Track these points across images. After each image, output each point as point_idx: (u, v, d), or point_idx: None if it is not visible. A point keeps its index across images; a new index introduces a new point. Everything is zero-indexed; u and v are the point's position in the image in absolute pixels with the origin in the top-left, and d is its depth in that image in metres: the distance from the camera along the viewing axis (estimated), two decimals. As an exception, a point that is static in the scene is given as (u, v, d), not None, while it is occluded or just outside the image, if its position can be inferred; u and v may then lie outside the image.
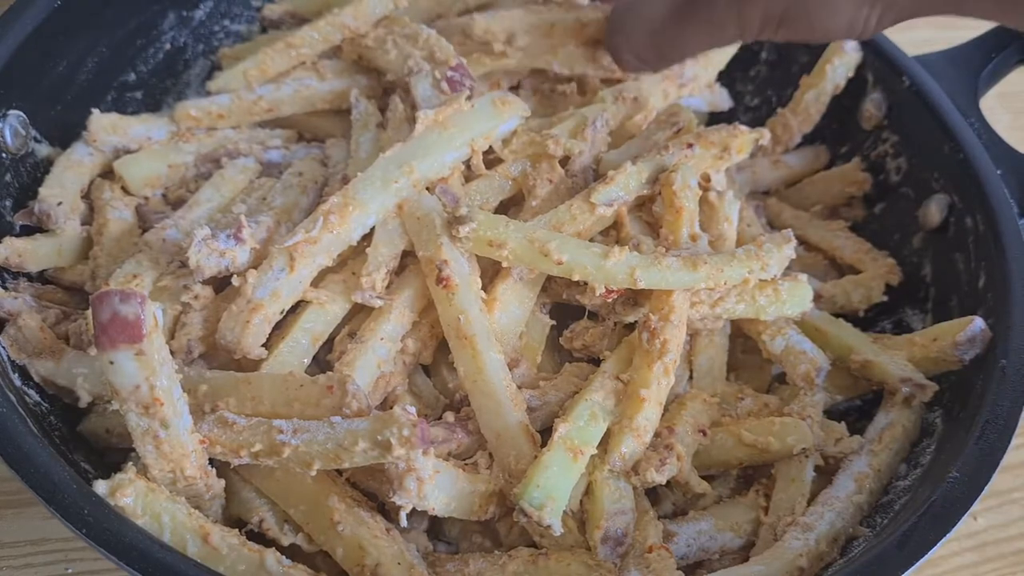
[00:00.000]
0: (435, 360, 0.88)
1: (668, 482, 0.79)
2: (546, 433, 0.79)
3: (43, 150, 0.95)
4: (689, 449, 0.80)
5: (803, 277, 0.91)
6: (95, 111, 0.96)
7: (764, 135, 0.97)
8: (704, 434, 0.82)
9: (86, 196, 0.95)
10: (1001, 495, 1.01)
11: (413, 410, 0.70)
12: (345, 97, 1.01)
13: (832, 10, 0.74)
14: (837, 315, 0.95)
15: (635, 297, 0.87)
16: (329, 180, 0.94)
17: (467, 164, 0.91)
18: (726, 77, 1.13)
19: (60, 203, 0.91)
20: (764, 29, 0.79)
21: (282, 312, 0.81)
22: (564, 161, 0.94)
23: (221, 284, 0.83)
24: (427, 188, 0.87)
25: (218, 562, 0.68)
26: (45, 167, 0.95)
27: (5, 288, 0.86)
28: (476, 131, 0.89)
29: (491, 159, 0.94)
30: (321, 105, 1.03)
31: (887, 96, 1.07)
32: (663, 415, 0.81)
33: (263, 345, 0.81)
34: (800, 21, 0.77)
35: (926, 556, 0.69)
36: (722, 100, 1.13)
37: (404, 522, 0.73)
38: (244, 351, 0.79)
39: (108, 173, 0.97)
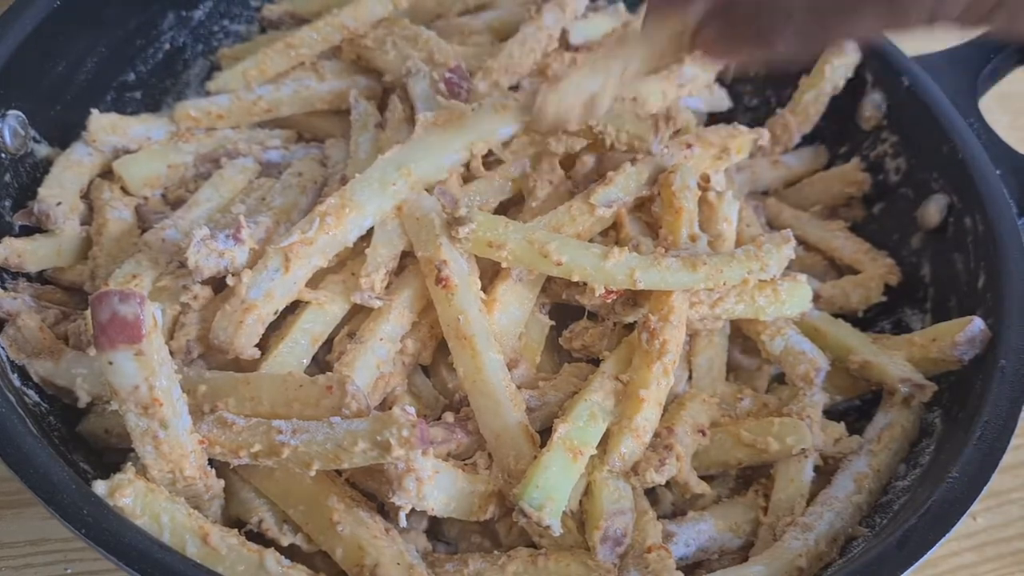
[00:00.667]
0: (434, 360, 0.88)
1: (667, 482, 0.79)
2: (545, 433, 0.79)
3: (42, 150, 0.95)
4: (688, 449, 0.80)
5: (802, 277, 0.91)
6: (94, 111, 0.96)
7: (763, 135, 0.97)
8: (703, 434, 0.82)
9: (85, 196, 0.95)
10: (1000, 495, 1.01)
11: (412, 410, 0.70)
12: (344, 97, 1.01)
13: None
14: (836, 315, 0.95)
15: (634, 297, 0.87)
16: (328, 180, 0.94)
17: (466, 166, 0.91)
18: (725, 77, 1.13)
19: (59, 203, 0.91)
20: (965, 17, 0.64)
21: (276, 313, 0.81)
22: (567, 165, 0.94)
23: (220, 284, 0.83)
24: (426, 189, 0.87)
25: (217, 562, 0.68)
26: (44, 167, 0.95)
27: (4, 288, 0.86)
28: (475, 134, 0.88)
29: (490, 161, 0.94)
30: (320, 106, 1.03)
31: (886, 96, 1.07)
32: (662, 415, 0.81)
33: (258, 345, 0.80)
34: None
35: (925, 556, 0.69)
36: (721, 100, 1.14)
37: (403, 522, 0.73)
38: (237, 351, 0.79)
39: (107, 173, 0.97)
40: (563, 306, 0.91)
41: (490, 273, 0.88)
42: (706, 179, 0.92)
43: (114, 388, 0.65)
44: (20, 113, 0.92)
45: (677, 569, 0.74)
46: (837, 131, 1.12)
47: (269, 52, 1.03)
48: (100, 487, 0.67)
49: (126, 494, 0.67)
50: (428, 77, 0.95)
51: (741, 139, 0.96)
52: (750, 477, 0.87)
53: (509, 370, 0.81)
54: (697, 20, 0.77)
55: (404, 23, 1.03)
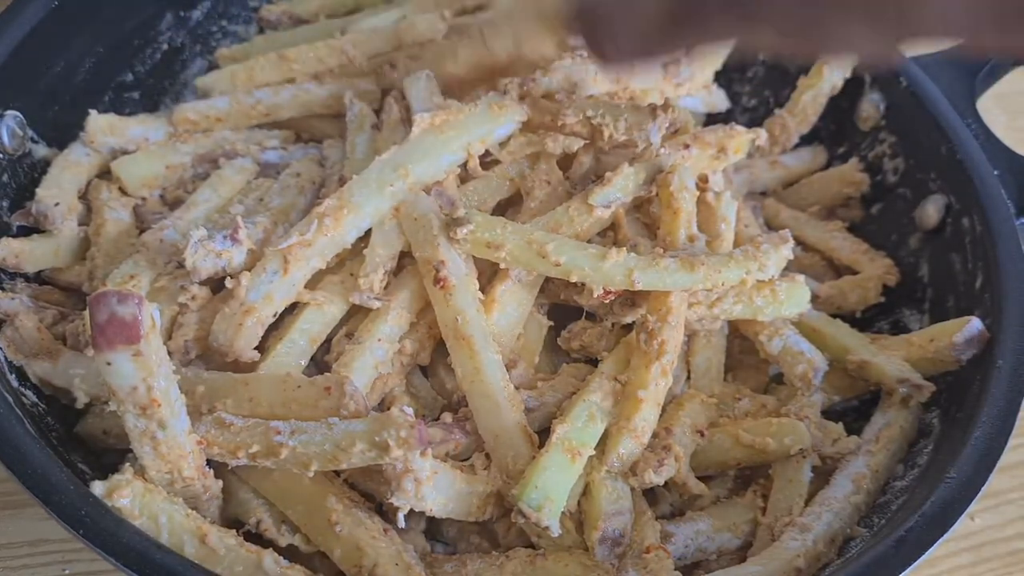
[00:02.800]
0: (433, 361, 0.88)
1: (666, 483, 0.79)
2: (544, 434, 0.79)
3: (40, 151, 0.95)
4: (687, 450, 0.80)
5: (800, 278, 0.91)
6: (92, 112, 0.96)
7: (761, 136, 0.97)
8: (702, 435, 0.82)
9: (83, 197, 0.95)
10: (998, 495, 1.01)
11: (411, 411, 0.70)
12: (343, 102, 1.01)
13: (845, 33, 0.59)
14: (834, 316, 0.95)
15: (633, 298, 0.87)
16: (326, 181, 0.94)
17: (463, 167, 0.91)
18: (723, 78, 1.13)
19: (57, 204, 0.90)
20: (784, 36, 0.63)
21: (275, 315, 0.81)
22: (565, 165, 0.94)
23: (218, 285, 0.83)
24: (423, 190, 0.87)
25: (216, 563, 0.68)
26: (42, 168, 0.95)
27: (2, 289, 0.86)
28: (472, 135, 0.88)
29: (487, 161, 0.94)
30: (319, 109, 1.03)
31: (884, 97, 1.07)
32: (661, 416, 0.81)
33: (257, 347, 0.80)
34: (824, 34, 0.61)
35: (923, 556, 0.69)
36: (719, 101, 1.13)
37: (402, 523, 0.73)
38: (236, 354, 0.79)
39: (106, 174, 0.97)
40: (561, 306, 0.91)
41: (488, 273, 0.88)
42: (704, 179, 0.92)
43: (112, 389, 0.65)
44: (18, 113, 0.92)
45: (675, 569, 0.74)
46: (835, 131, 1.12)
47: (262, 61, 1.03)
48: (98, 488, 0.67)
49: (124, 495, 0.66)
50: (425, 78, 0.95)
51: (739, 139, 0.96)
52: (748, 477, 0.87)
53: (507, 370, 0.81)
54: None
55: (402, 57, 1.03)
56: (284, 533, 0.74)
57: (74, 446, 0.80)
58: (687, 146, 0.91)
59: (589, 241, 0.89)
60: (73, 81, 0.99)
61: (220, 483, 0.74)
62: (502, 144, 0.92)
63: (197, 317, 0.82)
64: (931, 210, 0.99)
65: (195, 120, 0.99)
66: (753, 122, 1.05)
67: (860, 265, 1.02)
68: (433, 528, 0.82)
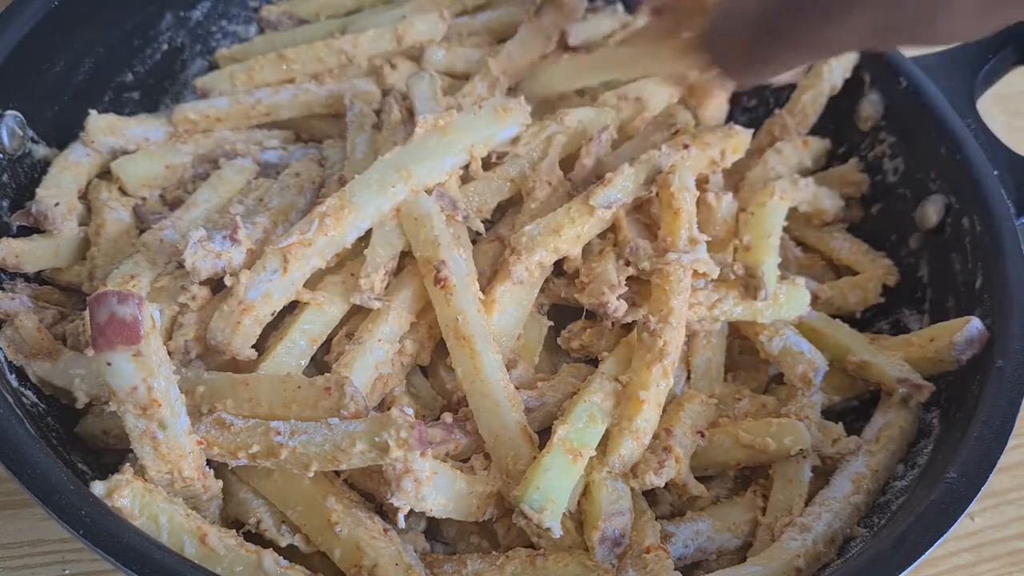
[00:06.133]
0: (433, 361, 0.88)
1: (665, 483, 0.79)
2: (544, 434, 0.79)
3: (40, 151, 0.95)
4: (687, 451, 0.80)
5: (800, 281, 0.91)
6: (92, 112, 0.96)
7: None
8: (702, 435, 0.82)
9: (83, 197, 0.95)
10: (998, 495, 1.01)
11: (411, 412, 0.70)
12: (343, 102, 1.01)
13: (954, 14, 0.65)
14: (834, 316, 0.95)
15: (633, 298, 0.87)
16: (326, 181, 0.94)
17: (465, 168, 0.90)
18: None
19: (57, 204, 0.90)
20: (872, 39, 0.71)
21: (273, 314, 0.81)
22: (566, 166, 0.94)
23: (219, 285, 0.83)
24: (424, 190, 0.87)
25: (215, 563, 0.68)
26: (42, 168, 0.95)
27: (2, 289, 0.86)
28: (476, 137, 0.88)
29: (489, 162, 0.94)
30: (319, 110, 1.03)
31: (884, 97, 1.07)
32: (661, 416, 0.81)
33: (256, 346, 0.80)
34: (917, 28, 0.68)
35: (923, 556, 0.69)
36: (719, 101, 1.13)
37: (402, 523, 0.73)
38: (233, 352, 0.79)
39: (105, 174, 0.97)
40: (561, 306, 0.91)
41: (488, 274, 0.88)
42: (704, 180, 0.92)
43: (112, 389, 0.65)
44: (18, 113, 0.92)
45: (675, 569, 0.74)
46: (835, 132, 1.12)
47: (262, 61, 1.03)
48: (98, 488, 0.67)
49: (124, 495, 0.66)
50: (428, 78, 0.95)
51: (738, 139, 0.96)
52: (748, 478, 0.87)
53: (507, 370, 0.81)
54: (698, 35, 0.80)
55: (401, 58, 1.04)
56: (284, 533, 0.74)
57: (74, 446, 0.80)
58: (687, 146, 0.91)
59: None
60: (73, 81, 0.99)
61: (220, 483, 0.74)
62: (513, 141, 0.92)
63: (197, 317, 0.82)
64: (931, 210, 0.99)
65: (195, 120, 0.99)
66: (753, 122, 1.05)
67: (860, 266, 1.02)
68: (433, 528, 0.82)
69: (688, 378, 0.89)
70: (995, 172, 0.95)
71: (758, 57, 0.79)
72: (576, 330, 0.90)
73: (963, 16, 0.66)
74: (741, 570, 0.76)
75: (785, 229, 0.97)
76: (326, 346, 0.84)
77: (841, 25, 0.70)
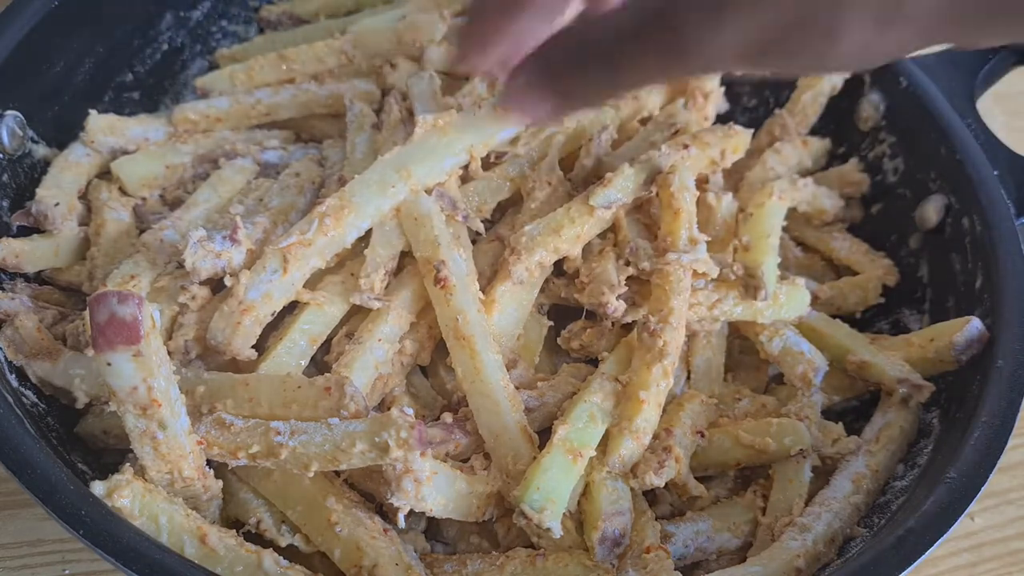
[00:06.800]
0: (433, 361, 0.88)
1: (665, 483, 0.79)
2: (544, 434, 0.79)
3: (40, 151, 0.95)
4: (687, 451, 0.80)
5: (800, 281, 0.91)
6: (92, 112, 0.96)
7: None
8: (702, 435, 0.82)
9: (83, 197, 0.95)
10: (998, 495, 1.01)
11: (411, 412, 0.70)
12: (343, 102, 1.01)
13: (837, 37, 0.56)
14: (834, 316, 0.95)
15: (633, 298, 0.87)
16: (326, 181, 0.94)
17: (465, 167, 0.90)
18: (723, 79, 1.13)
19: (57, 204, 0.90)
20: (740, 61, 0.60)
21: (273, 314, 0.81)
22: (566, 166, 0.94)
23: (219, 285, 0.83)
24: (424, 191, 0.86)
25: (215, 563, 0.68)
26: (42, 168, 0.95)
27: (2, 289, 0.86)
28: (476, 137, 0.88)
29: (488, 162, 0.94)
30: (319, 110, 1.03)
31: (884, 97, 1.07)
32: (661, 416, 0.81)
33: (256, 346, 0.80)
34: (793, 52, 0.58)
35: (923, 557, 0.69)
36: (719, 101, 1.13)
37: (402, 523, 0.73)
38: (233, 352, 0.79)
39: (105, 174, 0.97)
40: (561, 306, 0.91)
41: (488, 273, 0.88)
42: (704, 180, 0.92)
43: (112, 389, 0.65)
44: (18, 113, 0.92)
45: (675, 569, 0.74)
46: (835, 132, 1.12)
47: (261, 60, 1.03)
48: (98, 488, 0.67)
49: (124, 495, 0.66)
50: (428, 78, 0.95)
51: (737, 139, 0.96)
52: (748, 478, 0.87)
53: (507, 370, 0.81)
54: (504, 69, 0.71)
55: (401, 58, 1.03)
56: (284, 533, 0.74)
57: (74, 446, 0.80)
58: (686, 146, 0.91)
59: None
60: (73, 81, 0.99)
61: (220, 483, 0.74)
62: (512, 141, 0.92)
63: (197, 317, 0.82)
64: (931, 210, 0.99)
65: (195, 120, 0.99)
66: (753, 122, 1.05)
67: (860, 266, 1.02)
68: (433, 528, 0.82)
69: (688, 378, 0.89)
70: (995, 172, 0.95)
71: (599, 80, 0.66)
72: (576, 330, 0.90)
73: (857, 33, 0.56)
74: (741, 570, 0.75)
75: (785, 229, 0.97)
76: (326, 346, 0.84)
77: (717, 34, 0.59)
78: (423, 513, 0.74)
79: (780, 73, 0.61)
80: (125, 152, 0.97)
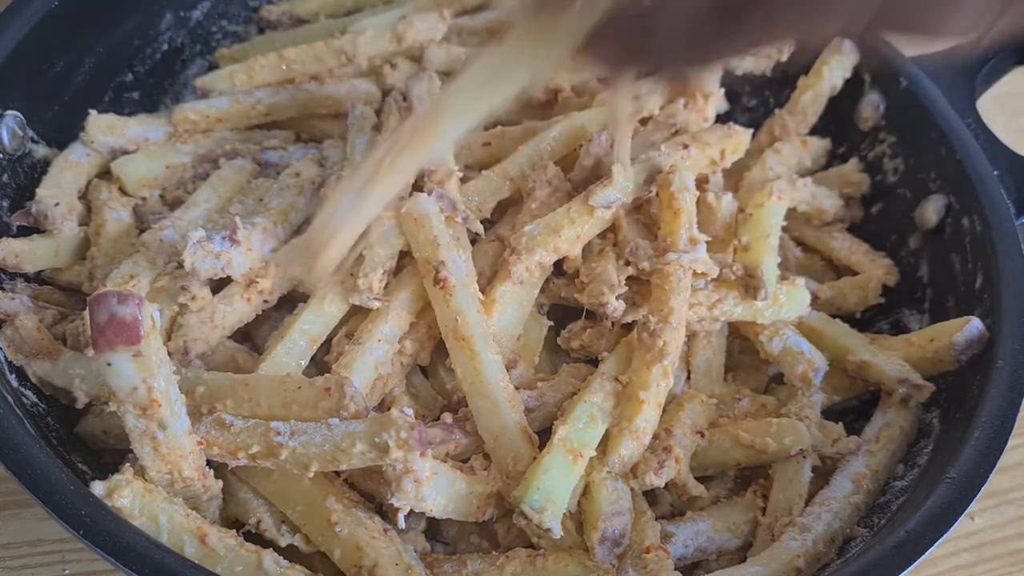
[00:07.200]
0: (432, 361, 0.88)
1: (665, 483, 0.79)
2: (544, 434, 0.79)
3: (40, 151, 0.95)
4: (687, 451, 0.80)
5: (800, 281, 0.91)
6: (92, 112, 0.96)
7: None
8: (702, 435, 0.82)
9: (83, 197, 0.95)
10: (998, 495, 1.01)
11: (411, 412, 0.70)
12: (343, 102, 1.01)
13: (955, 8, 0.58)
14: (834, 316, 0.95)
15: (633, 298, 0.87)
16: (326, 181, 0.94)
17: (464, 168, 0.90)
18: (723, 79, 1.13)
19: (57, 204, 0.90)
20: (873, 25, 0.60)
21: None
22: (566, 166, 0.94)
23: (219, 285, 0.83)
24: (423, 190, 0.86)
25: (215, 563, 0.68)
26: (42, 168, 0.95)
27: (2, 289, 0.86)
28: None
29: (489, 160, 0.93)
30: (319, 110, 1.03)
31: (884, 97, 1.07)
32: (661, 416, 0.81)
33: (255, 347, 0.81)
34: (906, 21, 0.60)
35: (923, 557, 0.69)
36: (719, 101, 1.13)
37: (402, 523, 0.73)
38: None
39: (105, 174, 0.97)
40: (561, 306, 0.91)
41: (488, 274, 0.88)
42: (704, 180, 0.92)
43: (112, 389, 0.65)
44: (18, 113, 0.92)
45: (675, 569, 0.74)
46: (835, 132, 1.12)
47: (262, 61, 1.03)
48: (98, 488, 0.67)
49: (124, 495, 0.66)
50: (428, 78, 0.95)
51: (737, 139, 0.96)
52: (748, 478, 0.87)
53: (507, 371, 0.81)
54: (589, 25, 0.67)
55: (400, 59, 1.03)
56: (284, 533, 0.74)
57: (74, 446, 0.80)
58: (686, 146, 0.91)
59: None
60: (73, 81, 0.99)
61: (220, 483, 0.74)
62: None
63: (197, 318, 0.82)
64: (931, 210, 0.99)
65: (195, 120, 0.99)
66: (753, 122, 1.05)
67: (860, 266, 1.02)
68: (433, 528, 0.82)
69: (688, 378, 0.89)
70: (995, 172, 0.95)
71: (707, 43, 0.63)
72: (576, 330, 0.90)
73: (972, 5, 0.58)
74: (741, 570, 0.76)
75: (785, 229, 0.97)
76: (326, 346, 0.84)
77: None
78: (423, 513, 0.74)
79: (901, 34, 0.61)
80: (125, 152, 0.97)
